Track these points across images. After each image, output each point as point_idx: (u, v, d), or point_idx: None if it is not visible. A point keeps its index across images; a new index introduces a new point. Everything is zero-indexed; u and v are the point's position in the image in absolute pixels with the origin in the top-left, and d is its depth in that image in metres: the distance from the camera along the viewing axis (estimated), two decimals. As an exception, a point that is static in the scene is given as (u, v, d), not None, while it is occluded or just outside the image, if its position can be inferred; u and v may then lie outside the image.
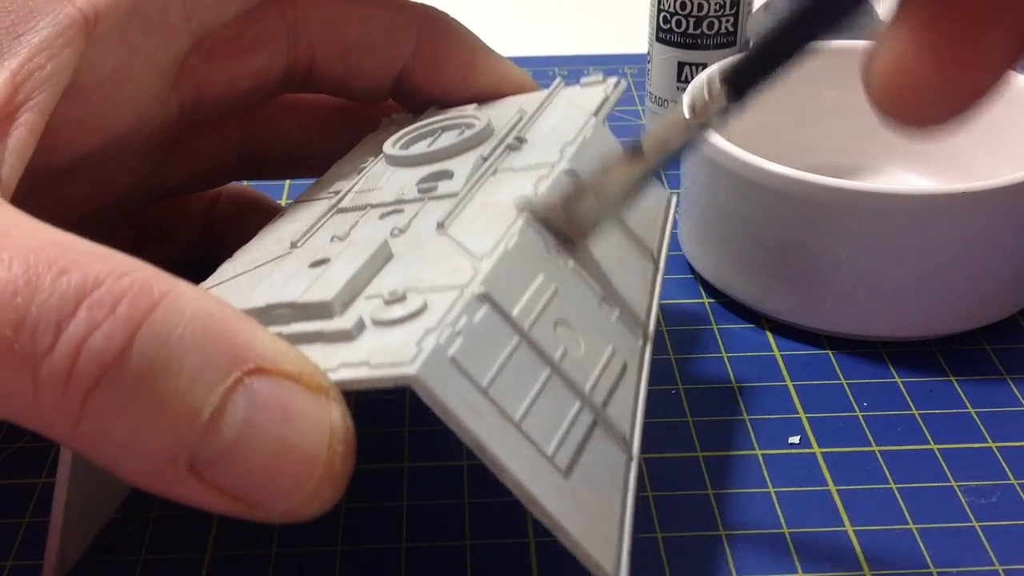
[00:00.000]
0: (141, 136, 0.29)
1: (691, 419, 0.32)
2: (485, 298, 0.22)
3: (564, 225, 0.25)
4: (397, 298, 0.21)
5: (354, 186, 0.29)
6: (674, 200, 0.31)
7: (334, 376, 0.20)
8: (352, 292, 0.22)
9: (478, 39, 0.33)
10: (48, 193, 0.27)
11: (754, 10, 0.46)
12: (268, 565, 0.27)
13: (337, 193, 0.29)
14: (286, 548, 0.28)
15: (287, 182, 0.44)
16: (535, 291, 0.23)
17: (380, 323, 0.21)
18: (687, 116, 0.23)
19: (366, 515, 0.29)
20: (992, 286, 0.34)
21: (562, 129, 0.29)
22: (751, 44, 0.22)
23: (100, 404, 0.19)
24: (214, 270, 0.28)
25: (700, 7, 0.44)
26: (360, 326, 0.21)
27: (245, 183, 0.39)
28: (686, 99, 0.24)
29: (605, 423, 0.23)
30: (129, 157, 0.30)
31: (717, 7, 0.44)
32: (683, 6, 0.44)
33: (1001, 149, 0.38)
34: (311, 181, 0.33)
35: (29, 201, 0.23)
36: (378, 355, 0.20)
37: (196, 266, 0.36)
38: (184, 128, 0.31)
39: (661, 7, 0.45)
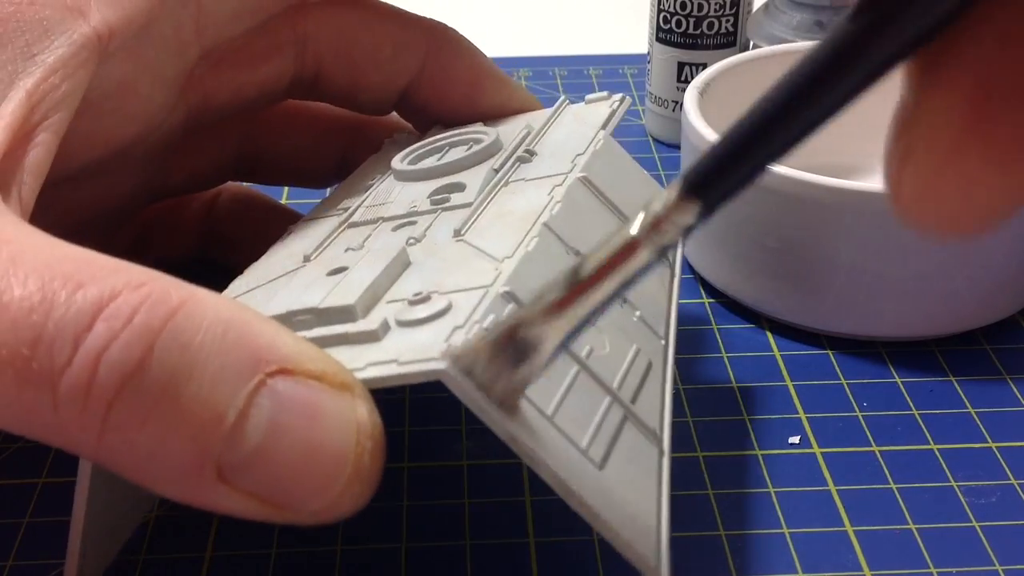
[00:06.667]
0: (146, 144, 0.29)
1: (691, 419, 0.32)
2: (510, 296, 0.22)
3: (493, 379, 0.19)
4: (421, 299, 0.21)
5: (363, 201, 0.29)
6: None
7: (362, 375, 0.20)
8: (373, 296, 0.22)
9: (486, 58, 0.33)
10: (52, 200, 0.27)
11: (754, 10, 0.46)
12: (268, 565, 0.27)
13: (346, 209, 0.29)
14: (286, 548, 0.28)
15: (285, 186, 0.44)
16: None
17: (405, 323, 0.21)
18: (638, 234, 0.18)
19: (366, 515, 0.29)
20: (992, 286, 0.34)
21: (572, 142, 0.29)
22: (716, 145, 0.16)
23: (123, 415, 0.18)
24: (215, 269, 0.28)
25: (700, 7, 0.44)
26: (385, 327, 0.21)
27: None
28: (640, 215, 0.18)
29: (635, 418, 0.23)
30: (133, 164, 0.30)
31: (717, 7, 0.44)
32: (683, 6, 0.44)
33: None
34: (306, 189, 0.33)
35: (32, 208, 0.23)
36: (406, 353, 0.20)
37: (197, 265, 0.36)
38: (188, 133, 0.31)
39: (661, 7, 0.45)
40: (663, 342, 0.26)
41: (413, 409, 0.32)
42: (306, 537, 0.28)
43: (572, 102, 0.33)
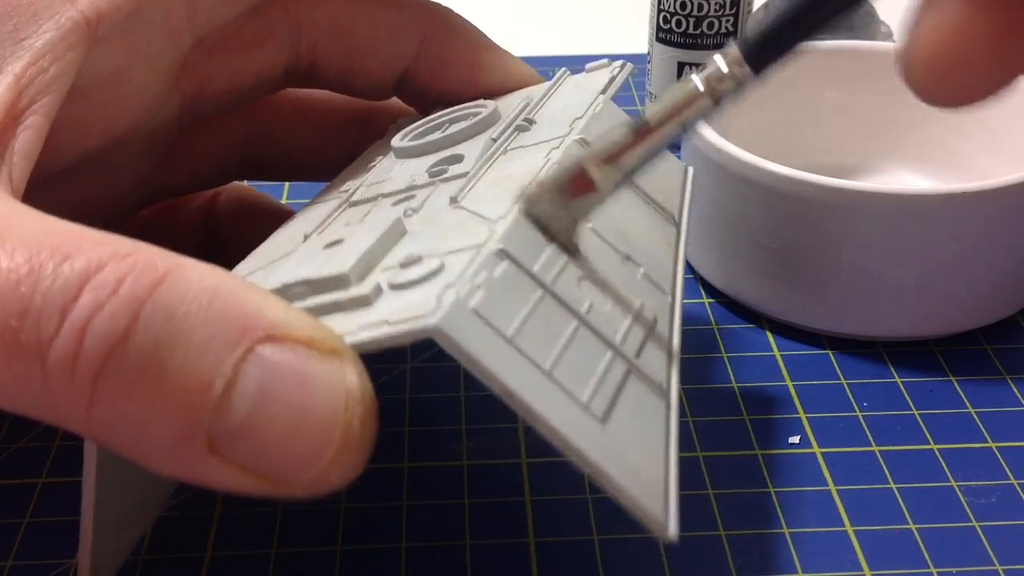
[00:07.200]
0: (141, 135, 0.29)
1: (691, 419, 0.32)
2: (504, 254, 0.21)
3: (557, 211, 0.23)
4: (413, 261, 0.21)
5: (364, 181, 0.29)
6: (691, 171, 0.31)
7: (353, 339, 0.20)
8: (368, 265, 0.22)
9: (483, 35, 0.33)
10: (48, 194, 0.27)
11: (754, 10, 0.46)
12: (268, 565, 0.27)
13: (347, 191, 0.29)
14: (286, 548, 0.28)
15: (287, 182, 0.44)
16: (556, 248, 0.23)
17: (397, 286, 0.20)
18: (701, 89, 0.22)
19: (366, 515, 0.29)
20: (992, 286, 0.34)
21: (571, 108, 0.29)
22: (770, 15, 0.21)
23: (110, 385, 0.18)
24: None
25: (700, 7, 0.44)
26: (377, 291, 0.20)
27: (245, 182, 0.39)
28: (701, 72, 0.22)
29: (639, 372, 0.22)
30: (129, 156, 0.30)
31: (717, 7, 0.44)
32: (683, 6, 0.44)
33: (1001, 149, 0.38)
34: (311, 183, 0.33)
35: (28, 203, 0.23)
36: (397, 313, 0.19)
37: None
38: (185, 126, 0.31)
39: (661, 7, 0.45)
40: (669, 298, 0.25)
41: (413, 409, 0.32)
42: (306, 537, 0.28)
43: (573, 73, 0.33)
